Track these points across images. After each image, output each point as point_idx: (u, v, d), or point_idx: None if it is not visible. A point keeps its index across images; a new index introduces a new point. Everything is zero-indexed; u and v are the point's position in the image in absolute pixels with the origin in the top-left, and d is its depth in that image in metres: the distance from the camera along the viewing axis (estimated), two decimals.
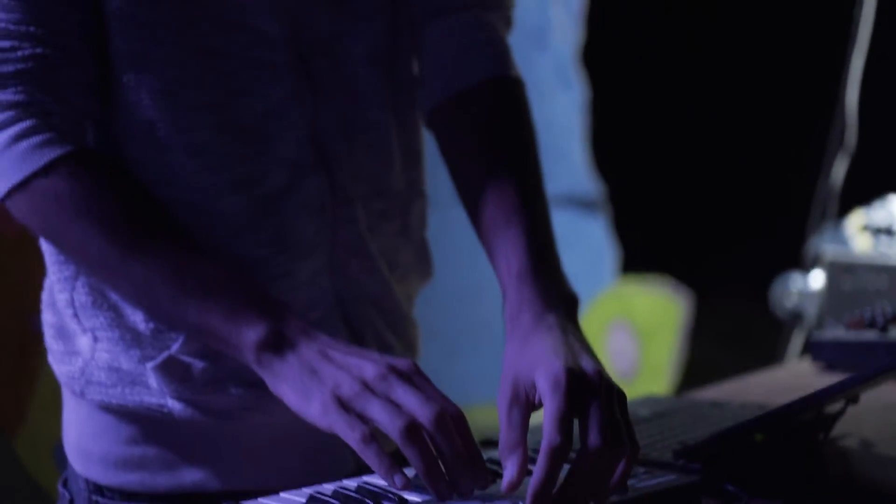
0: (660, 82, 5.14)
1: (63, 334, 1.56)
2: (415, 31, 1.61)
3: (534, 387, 1.30)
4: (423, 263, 1.70)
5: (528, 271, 1.41)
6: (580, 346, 1.35)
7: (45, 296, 1.60)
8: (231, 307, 1.38)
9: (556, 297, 1.40)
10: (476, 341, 4.03)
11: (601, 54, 4.31)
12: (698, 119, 5.11)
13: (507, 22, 1.64)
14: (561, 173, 4.34)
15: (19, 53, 1.39)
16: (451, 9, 1.59)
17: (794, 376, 2.15)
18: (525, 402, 1.29)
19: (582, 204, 4.39)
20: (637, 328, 4.27)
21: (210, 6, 1.46)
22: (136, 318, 1.50)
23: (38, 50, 1.40)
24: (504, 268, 1.44)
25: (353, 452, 1.31)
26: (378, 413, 1.26)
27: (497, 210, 1.47)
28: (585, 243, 4.39)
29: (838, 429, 1.61)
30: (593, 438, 1.24)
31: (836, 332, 2.16)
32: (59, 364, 1.59)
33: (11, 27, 1.39)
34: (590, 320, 4.24)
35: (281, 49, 1.50)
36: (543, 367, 1.29)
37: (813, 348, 2.16)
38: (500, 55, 1.61)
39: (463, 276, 3.70)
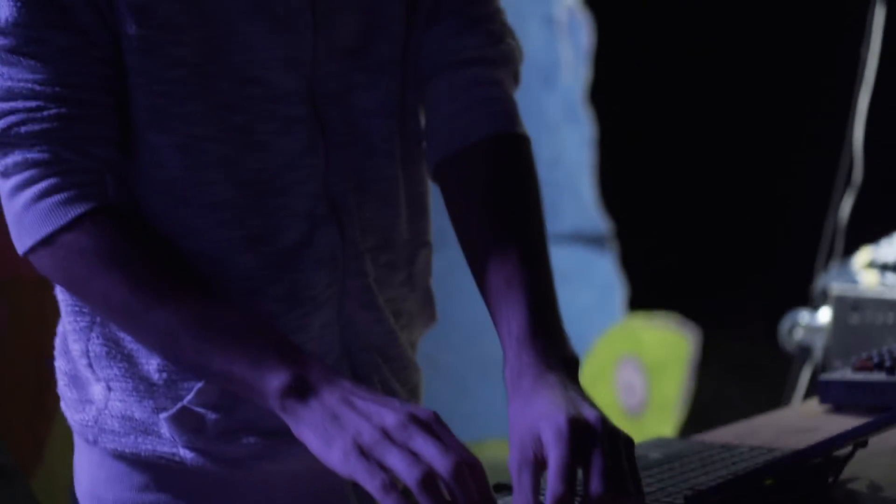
0: (667, 119, 5.17)
1: (77, 383, 1.58)
2: (423, 85, 1.63)
3: (540, 443, 1.31)
4: (427, 310, 1.71)
5: (527, 335, 1.42)
6: (581, 398, 1.36)
7: (58, 343, 1.62)
8: (255, 354, 1.39)
9: (556, 359, 1.41)
10: (485, 377, 4.04)
11: (609, 91, 4.34)
12: (706, 156, 5.12)
13: (515, 78, 1.65)
14: (569, 210, 4.36)
15: (44, 113, 1.42)
16: (459, 64, 1.61)
17: (802, 417, 2.15)
18: (534, 463, 1.30)
19: (590, 240, 4.40)
20: (646, 363, 4.27)
21: (227, 62, 1.48)
22: (150, 368, 1.52)
23: (63, 109, 1.42)
24: (505, 331, 1.44)
25: (364, 501, 1.32)
26: (396, 462, 1.27)
27: (498, 271, 1.48)
28: (594, 279, 4.40)
29: (847, 472, 1.62)
30: (595, 486, 1.26)
31: (843, 374, 2.17)
32: (72, 412, 1.61)
33: (37, 88, 1.41)
34: (598, 356, 4.25)
35: (297, 103, 1.52)
36: (546, 420, 1.30)
37: (821, 389, 2.17)
38: (507, 112, 1.62)
39: (471, 313, 3.71)
